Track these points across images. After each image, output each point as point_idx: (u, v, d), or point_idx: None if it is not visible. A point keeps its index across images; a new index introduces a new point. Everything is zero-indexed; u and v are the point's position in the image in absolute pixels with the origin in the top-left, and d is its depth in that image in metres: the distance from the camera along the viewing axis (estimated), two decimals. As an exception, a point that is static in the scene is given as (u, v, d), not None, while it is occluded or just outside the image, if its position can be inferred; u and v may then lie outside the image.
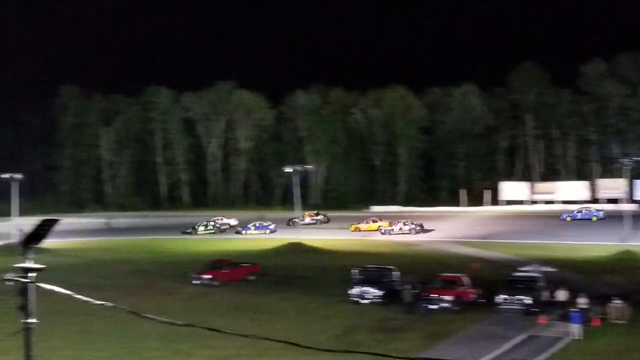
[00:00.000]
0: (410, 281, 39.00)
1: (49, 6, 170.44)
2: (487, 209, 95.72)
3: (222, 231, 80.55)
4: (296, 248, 63.87)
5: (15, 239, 70.94)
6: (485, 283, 40.06)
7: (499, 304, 36.13)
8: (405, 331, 32.93)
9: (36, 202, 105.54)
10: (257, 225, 79.04)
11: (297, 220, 79.92)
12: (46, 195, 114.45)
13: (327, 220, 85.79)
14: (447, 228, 75.61)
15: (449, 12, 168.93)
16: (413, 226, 73.44)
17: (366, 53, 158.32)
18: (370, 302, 38.57)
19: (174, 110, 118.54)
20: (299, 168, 77.03)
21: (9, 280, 10.44)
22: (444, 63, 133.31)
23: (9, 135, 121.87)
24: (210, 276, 45.72)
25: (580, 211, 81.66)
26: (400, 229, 72.80)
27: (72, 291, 11.95)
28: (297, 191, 74.65)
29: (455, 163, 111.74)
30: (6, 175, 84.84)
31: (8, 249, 63.76)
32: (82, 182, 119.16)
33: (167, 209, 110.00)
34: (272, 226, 79.05)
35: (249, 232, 77.69)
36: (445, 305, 36.33)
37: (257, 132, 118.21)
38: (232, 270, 47.15)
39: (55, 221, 11.20)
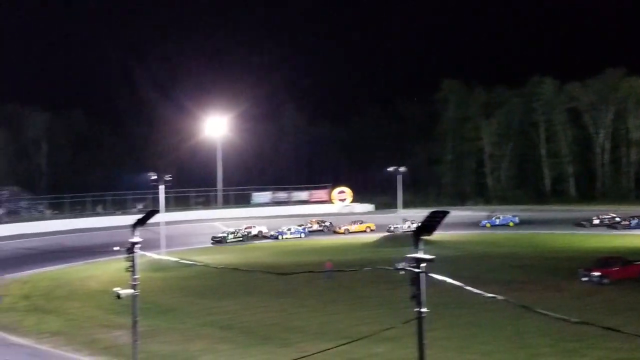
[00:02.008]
0: None
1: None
2: None
3: (251, 238, 77.15)
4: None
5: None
6: None
7: None
8: None
9: (419, 194, 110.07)
10: (292, 230, 78.04)
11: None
12: (428, 187, 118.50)
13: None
14: None
15: None
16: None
17: None
18: None
19: (559, 100, 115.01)
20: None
21: (401, 269, 10.63)
22: None
23: (393, 130, 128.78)
24: (599, 273, 43.59)
25: (498, 217, 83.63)
26: (409, 226, 74.54)
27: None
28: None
29: None
30: (391, 169, 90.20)
31: (392, 239, 67.54)
32: (463, 175, 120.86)
33: (551, 202, 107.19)
34: (307, 230, 79.66)
35: (285, 236, 76.62)
36: None
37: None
38: (624, 268, 44.36)
39: (445, 213, 11.15)
